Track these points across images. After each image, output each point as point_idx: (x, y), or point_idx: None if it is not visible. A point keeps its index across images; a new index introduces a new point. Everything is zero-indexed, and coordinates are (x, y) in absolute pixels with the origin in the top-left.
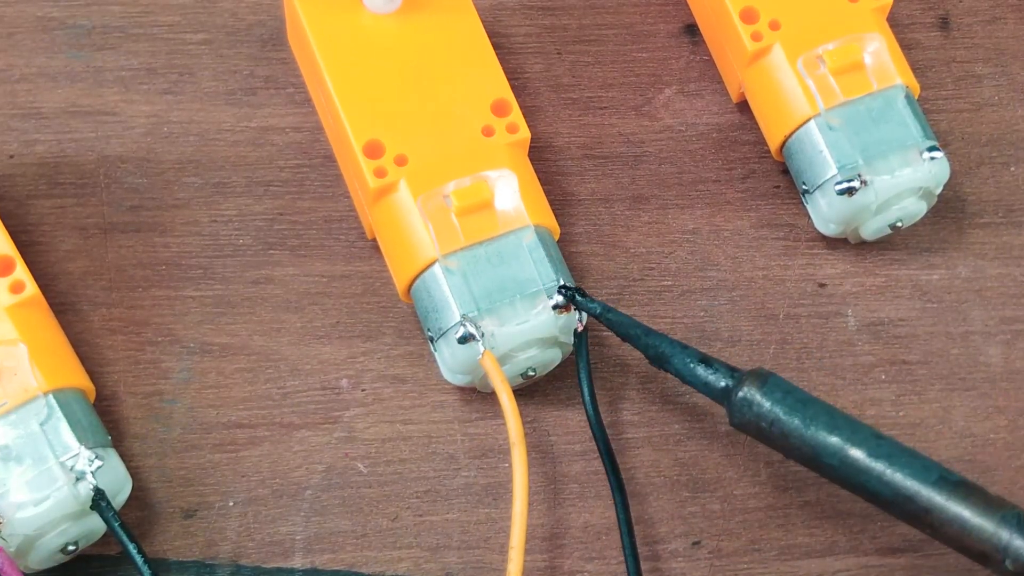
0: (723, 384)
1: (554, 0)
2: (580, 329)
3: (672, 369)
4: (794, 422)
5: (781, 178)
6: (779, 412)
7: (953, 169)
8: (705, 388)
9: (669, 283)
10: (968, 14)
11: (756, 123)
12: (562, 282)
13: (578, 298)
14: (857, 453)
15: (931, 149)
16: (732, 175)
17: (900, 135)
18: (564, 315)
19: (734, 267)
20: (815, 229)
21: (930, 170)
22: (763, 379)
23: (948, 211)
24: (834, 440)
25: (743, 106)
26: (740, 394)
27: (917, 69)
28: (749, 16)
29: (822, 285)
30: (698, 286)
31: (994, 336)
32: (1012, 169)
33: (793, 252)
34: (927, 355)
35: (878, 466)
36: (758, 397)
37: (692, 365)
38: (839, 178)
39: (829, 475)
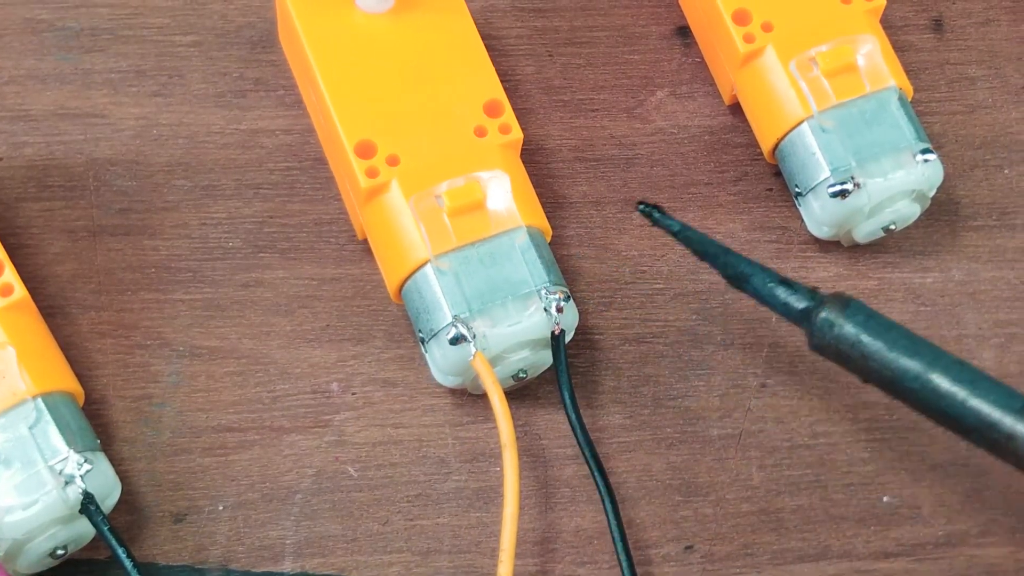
0: (803, 305)
1: (545, 2)
2: (557, 332)
3: (751, 289)
4: (876, 344)
5: (774, 181)
6: (861, 334)
7: (946, 172)
8: (784, 309)
9: (661, 286)
10: (961, 16)
11: (748, 125)
12: (643, 201)
13: (656, 215)
14: (939, 378)
15: (924, 151)
16: (724, 178)
17: (893, 137)
18: (559, 314)
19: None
20: (808, 232)
21: (923, 173)
22: (845, 302)
23: (942, 214)
24: (916, 364)
25: (735, 108)
26: (822, 315)
27: (910, 71)
28: (741, 18)
29: (815, 288)
30: (690, 289)
31: (988, 340)
32: (1006, 172)
33: (786, 255)
34: None
35: (961, 391)
36: (840, 319)
37: (771, 285)
38: (832, 180)
39: (910, 400)
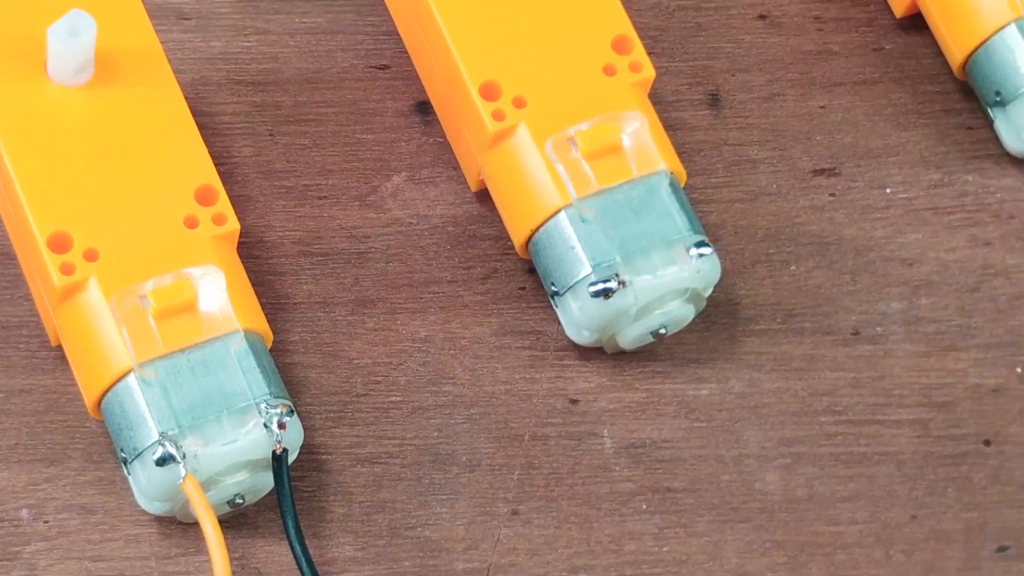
0: None
1: (266, 74)
2: (279, 451)
3: None
4: None
5: (527, 278)
6: None
7: (724, 268)
8: None
9: (398, 399)
10: (741, 90)
11: (498, 215)
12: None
13: None
14: None
15: (699, 245)
16: (470, 275)
17: (664, 228)
18: (280, 431)
19: (473, 381)
20: (566, 337)
21: (698, 269)
22: None
23: (719, 316)
24: None
25: (483, 195)
26: None
27: (684, 153)
28: (490, 92)
29: (574, 401)
30: (431, 402)
31: (771, 460)
32: (792, 268)
33: (540, 363)
34: (695, 482)
35: None
36: None
37: None
38: (593, 278)
39: None
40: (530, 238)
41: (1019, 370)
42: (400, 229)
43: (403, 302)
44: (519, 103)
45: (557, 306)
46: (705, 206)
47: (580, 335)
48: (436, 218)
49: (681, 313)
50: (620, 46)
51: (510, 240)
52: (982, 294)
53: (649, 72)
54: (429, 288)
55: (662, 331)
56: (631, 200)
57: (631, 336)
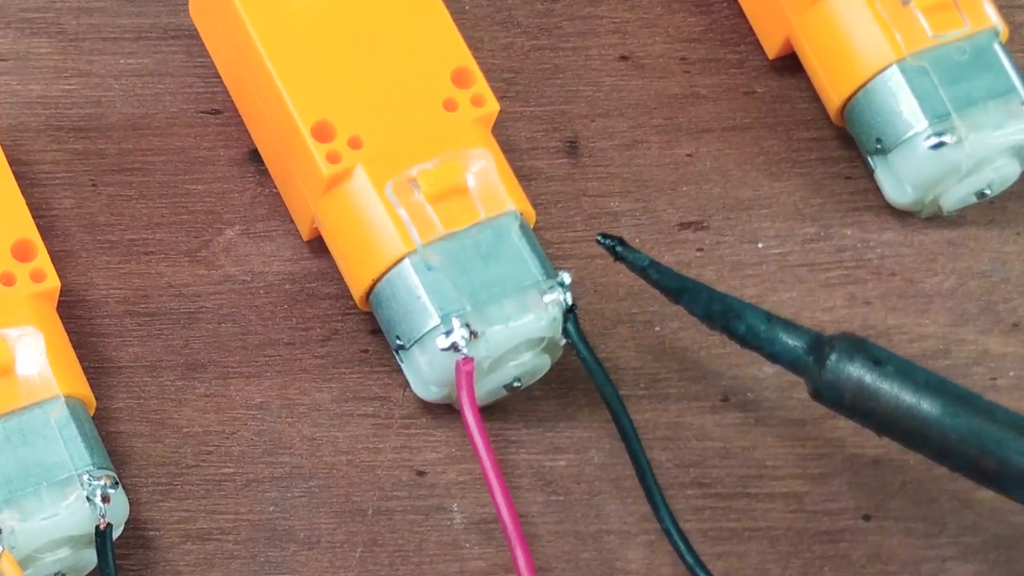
0: (804, 345)
1: (88, 120)
2: (103, 526)
3: (743, 329)
4: (896, 388)
5: (370, 339)
6: (879, 380)
7: (585, 329)
8: (783, 352)
9: (231, 470)
10: (602, 137)
11: (339, 271)
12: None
13: (619, 249)
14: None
15: (555, 289)
16: (309, 336)
17: (517, 275)
18: (100, 506)
19: (312, 451)
20: (413, 402)
21: (554, 316)
22: (858, 342)
23: (577, 381)
24: (953, 408)
25: (321, 249)
26: (832, 358)
27: (540, 204)
28: (323, 132)
29: (421, 473)
30: (267, 474)
31: (634, 537)
32: (656, 329)
33: (385, 432)
34: (551, 560)
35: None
36: (854, 361)
37: (767, 326)
38: (442, 330)
39: (946, 449)
40: (371, 289)
41: None
42: (233, 287)
43: (237, 366)
44: (355, 143)
45: (403, 361)
46: (563, 261)
47: (428, 391)
48: (272, 275)
49: (537, 364)
50: (461, 79)
51: (352, 299)
52: None
53: (493, 106)
54: (265, 351)
55: (516, 384)
56: (480, 244)
57: (481, 392)
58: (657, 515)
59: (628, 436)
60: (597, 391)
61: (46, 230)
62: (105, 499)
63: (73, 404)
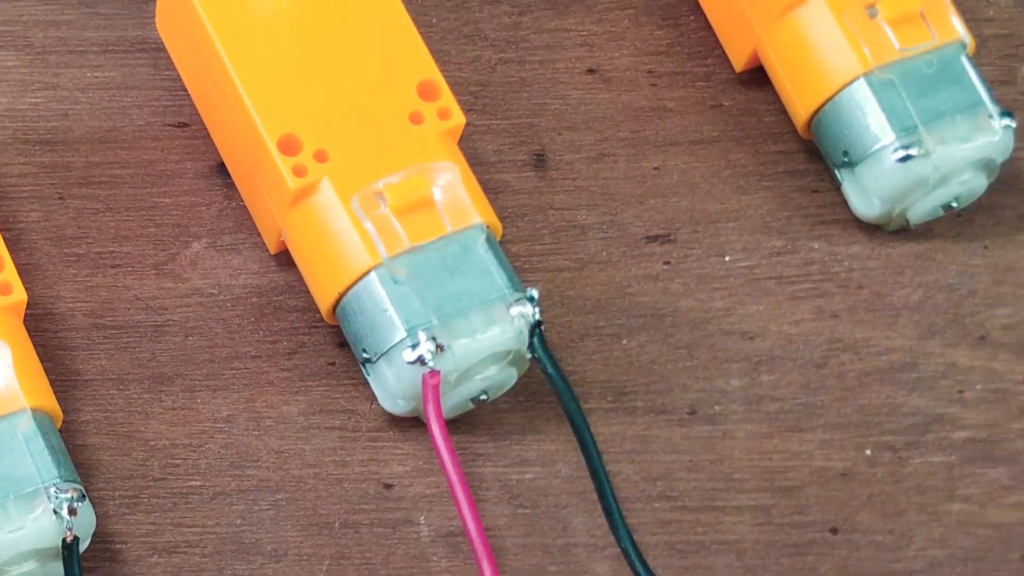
0: None
1: (55, 133)
2: (69, 539)
3: None
4: None
5: (337, 353)
6: None
7: (551, 342)
8: None
9: (198, 483)
10: (569, 150)
11: (304, 283)
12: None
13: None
14: None
15: (521, 300)
16: (276, 349)
17: (483, 288)
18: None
19: (279, 464)
20: (380, 415)
21: (521, 332)
22: None
23: (544, 393)
24: None
25: (286, 261)
26: None
27: (507, 218)
28: (289, 145)
29: (388, 486)
30: (234, 487)
31: (601, 550)
32: (623, 342)
33: (352, 445)
34: (518, 573)
35: None
36: None
37: None
38: (408, 343)
39: None
40: (338, 302)
41: (868, 452)
42: (201, 300)
43: (204, 378)
44: (321, 157)
45: (369, 374)
46: (530, 274)
47: (395, 405)
48: (239, 288)
49: (503, 377)
50: (427, 92)
51: (319, 312)
52: (829, 370)
53: (459, 119)
54: (232, 364)
55: (483, 397)
56: (446, 258)
57: (448, 405)
58: (616, 535)
59: (590, 453)
60: (562, 407)
61: (12, 243)
62: (72, 512)
63: (40, 417)
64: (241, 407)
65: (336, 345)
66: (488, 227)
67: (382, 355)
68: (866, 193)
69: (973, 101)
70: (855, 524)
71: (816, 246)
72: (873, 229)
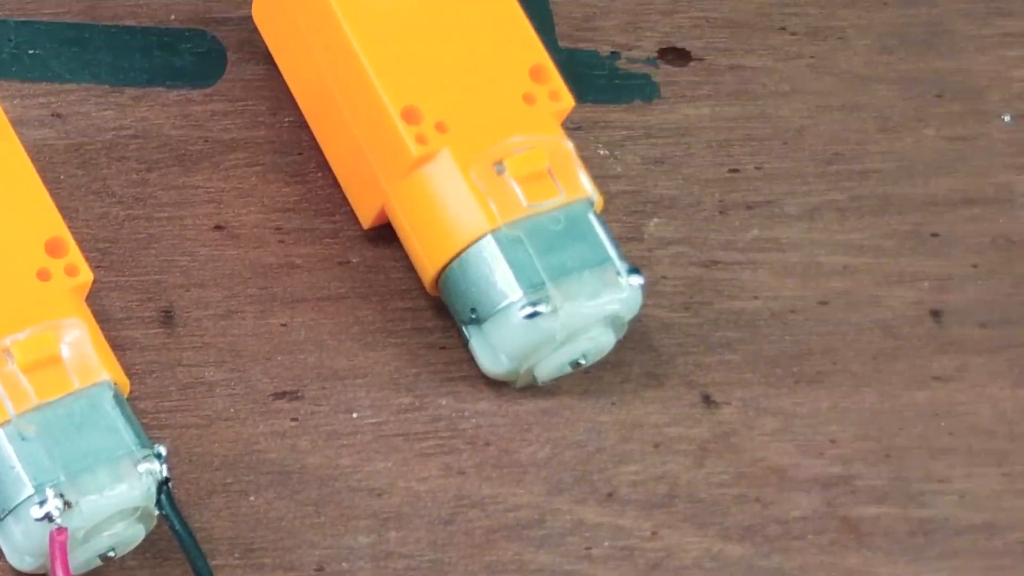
0: None
1: None
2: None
3: None
4: None
5: None
6: None
7: (179, 499)
8: None
9: None
10: (197, 306)
11: None
12: None
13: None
14: None
15: (150, 458)
16: None
17: (111, 445)
18: None
19: None
20: (5, 574)
21: (149, 488)
22: None
23: (171, 550)
24: None
25: None
26: None
27: (134, 375)
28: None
29: None
30: None
31: None
32: (251, 499)
33: None
34: None
35: None
36: None
37: None
38: (36, 500)
39: None
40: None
41: None
42: None
43: None
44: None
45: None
46: (157, 432)
47: (23, 561)
48: None
49: (131, 533)
50: (54, 250)
51: None
52: (456, 527)
53: (87, 276)
54: None
55: (111, 554)
56: (73, 415)
57: (75, 563)
58: None
59: None
60: (189, 564)
61: None
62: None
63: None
64: None
65: None
66: (115, 384)
67: (9, 512)
68: (494, 350)
69: (601, 258)
70: None
71: (444, 403)
72: (501, 386)
